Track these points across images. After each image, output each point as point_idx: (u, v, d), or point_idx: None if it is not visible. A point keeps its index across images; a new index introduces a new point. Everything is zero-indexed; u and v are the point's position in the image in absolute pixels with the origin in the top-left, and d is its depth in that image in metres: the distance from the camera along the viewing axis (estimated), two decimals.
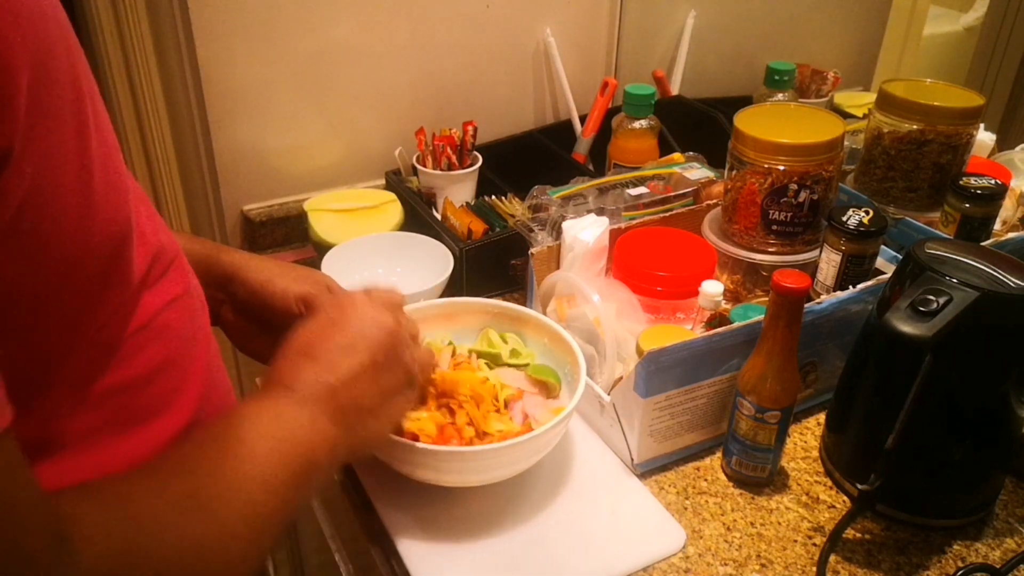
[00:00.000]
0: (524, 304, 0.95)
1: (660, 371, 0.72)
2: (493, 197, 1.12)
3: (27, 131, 0.37)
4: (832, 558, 0.69)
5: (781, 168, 0.89)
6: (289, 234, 1.16)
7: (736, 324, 0.76)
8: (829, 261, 0.87)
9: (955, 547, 0.71)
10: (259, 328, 0.73)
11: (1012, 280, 0.66)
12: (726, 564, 0.69)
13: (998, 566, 0.69)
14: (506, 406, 0.74)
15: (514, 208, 1.08)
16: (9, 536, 0.33)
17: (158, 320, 0.51)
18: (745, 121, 0.93)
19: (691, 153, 1.15)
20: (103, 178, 0.44)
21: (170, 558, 0.41)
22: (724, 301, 0.84)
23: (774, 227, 0.93)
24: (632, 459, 0.77)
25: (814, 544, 0.71)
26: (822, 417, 0.85)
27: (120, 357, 0.48)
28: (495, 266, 1.02)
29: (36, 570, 0.33)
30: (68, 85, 0.40)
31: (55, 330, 0.37)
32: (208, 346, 0.57)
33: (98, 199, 0.43)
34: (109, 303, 0.46)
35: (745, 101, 1.12)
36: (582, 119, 1.29)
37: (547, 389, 0.78)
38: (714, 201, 1.03)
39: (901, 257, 0.74)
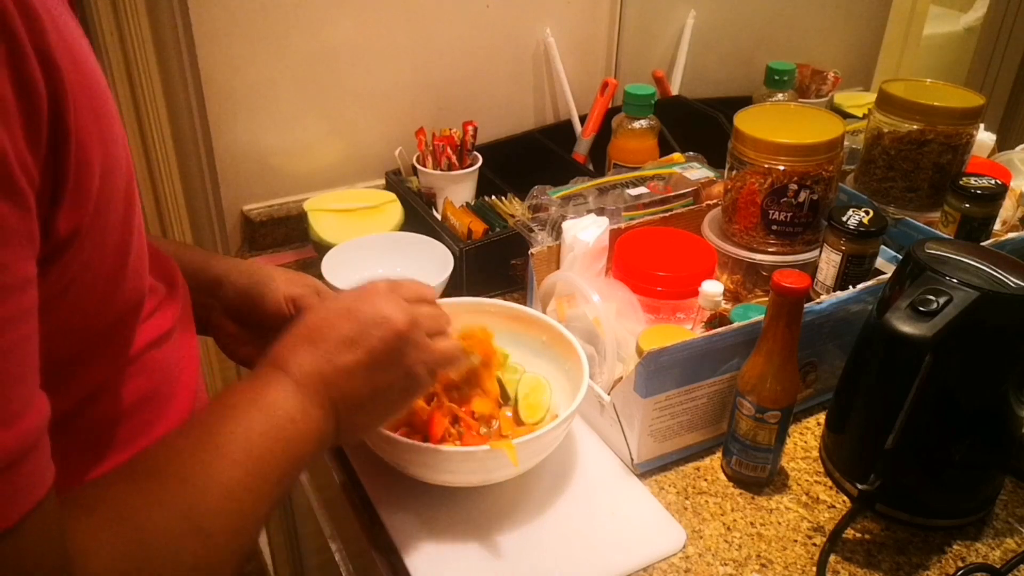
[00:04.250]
0: (524, 304, 0.95)
1: (660, 371, 0.72)
2: (493, 197, 1.12)
3: (94, 215, 0.39)
4: (832, 558, 0.69)
5: (781, 168, 0.89)
6: (289, 234, 1.17)
7: (736, 324, 0.76)
8: (829, 261, 0.87)
9: (955, 547, 0.71)
10: (249, 333, 0.73)
11: (1012, 280, 0.66)
12: (726, 564, 0.69)
13: (998, 566, 0.69)
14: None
15: (514, 208, 1.08)
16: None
17: (145, 356, 0.51)
18: (745, 121, 0.93)
19: (691, 153, 1.15)
20: (137, 250, 0.46)
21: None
22: (724, 301, 0.84)
23: (774, 227, 0.93)
24: (632, 459, 0.77)
25: (814, 544, 0.71)
26: (822, 417, 0.85)
27: (105, 392, 0.48)
28: (495, 266, 1.02)
29: None
30: (124, 167, 0.43)
31: (51, 378, 0.38)
32: (193, 374, 0.57)
33: (129, 271, 0.45)
34: (117, 340, 0.48)
35: (745, 101, 1.12)
36: (582, 119, 1.29)
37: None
38: (714, 201, 1.03)
39: (901, 257, 0.74)
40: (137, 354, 0.50)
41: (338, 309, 0.58)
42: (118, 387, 0.49)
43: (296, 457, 0.51)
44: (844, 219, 0.85)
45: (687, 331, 0.81)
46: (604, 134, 1.23)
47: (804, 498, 0.76)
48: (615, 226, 0.95)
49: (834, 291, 0.85)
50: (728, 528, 0.72)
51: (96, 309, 0.44)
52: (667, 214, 1.01)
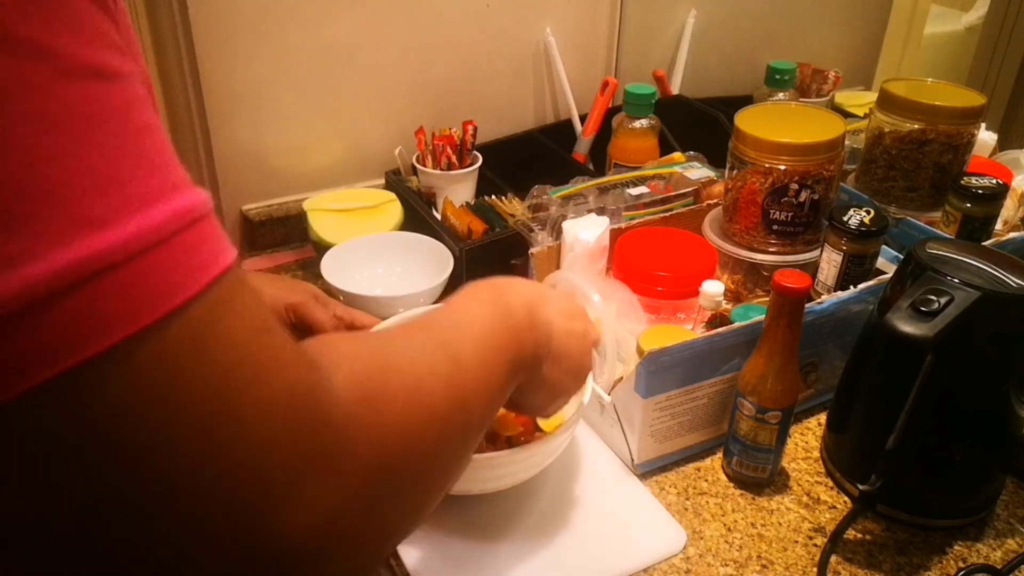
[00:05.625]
0: None
1: (661, 371, 0.72)
2: (493, 197, 1.12)
3: None
4: (833, 558, 0.69)
5: (782, 168, 0.89)
6: (289, 234, 1.16)
7: (737, 324, 0.76)
8: (830, 261, 0.87)
9: (956, 547, 0.71)
10: None
11: (1013, 280, 0.66)
12: (727, 565, 0.69)
13: (999, 566, 0.69)
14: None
15: (514, 208, 1.07)
16: (269, 348, 0.33)
17: None
18: (746, 121, 0.93)
19: (691, 153, 1.15)
20: None
21: (423, 387, 0.41)
22: (725, 301, 0.84)
23: (775, 227, 0.93)
24: (632, 459, 0.77)
25: (815, 545, 0.71)
26: (823, 417, 0.85)
27: None
28: (495, 266, 1.02)
29: (290, 381, 0.33)
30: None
31: None
32: None
33: None
34: None
35: (746, 100, 1.12)
36: (582, 119, 1.29)
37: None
38: (715, 201, 1.03)
39: (902, 257, 0.74)
40: None
41: (555, 295, 0.63)
42: None
43: (516, 356, 0.53)
44: (845, 219, 0.84)
45: (688, 331, 0.81)
46: (604, 134, 1.23)
47: (805, 499, 0.76)
48: (615, 226, 0.95)
49: (835, 291, 0.85)
50: (729, 529, 0.72)
51: None
52: (667, 214, 1.01)
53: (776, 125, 0.92)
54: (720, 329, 0.74)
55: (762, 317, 0.72)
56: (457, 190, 1.15)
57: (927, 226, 0.95)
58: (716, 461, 0.80)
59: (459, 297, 0.54)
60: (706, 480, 0.78)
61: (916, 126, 0.95)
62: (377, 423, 0.37)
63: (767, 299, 0.76)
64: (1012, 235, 0.91)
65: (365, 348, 0.41)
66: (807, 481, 0.78)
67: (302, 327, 0.70)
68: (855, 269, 0.85)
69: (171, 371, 0.29)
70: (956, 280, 0.65)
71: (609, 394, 0.77)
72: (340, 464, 0.34)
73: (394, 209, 1.12)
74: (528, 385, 0.57)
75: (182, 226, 0.30)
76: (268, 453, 0.32)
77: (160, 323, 0.29)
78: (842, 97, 1.44)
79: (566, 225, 0.91)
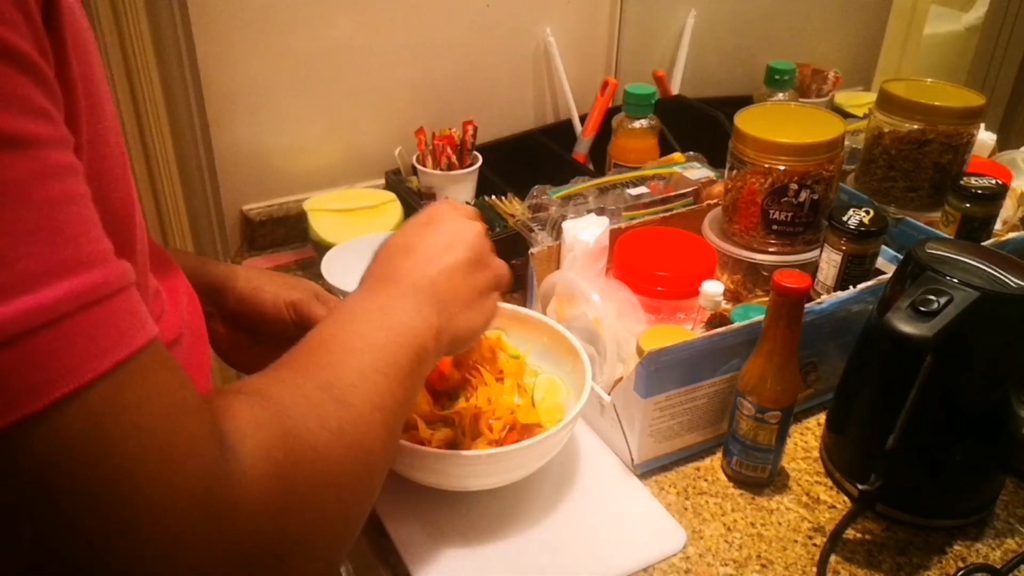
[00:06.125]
0: (524, 304, 0.95)
1: (660, 371, 0.72)
2: (493, 197, 1.12)
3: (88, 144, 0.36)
4: (832, 558, 0.69)
5: (781, 168, 0.89)
6: (289, 234, 1.16)
7: (736, 324, 0.76)
8: (829, 261, 0.87)
9: (956, 547, 0.71)
10: (248, 339, 0.72)
11: (1013, 280, 0.66)
12: (726, 564, 0.69)
13: (999, 566, 0.69)
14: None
15: (514, 208, 1.07)
16: (182, 433, 0.32)
17: None
18: (745, 121, 0.93)
19: (691, 153, 1.15)
20: (141, 230, 0.44)
21: (319, 446, 0.41)
22: (724, 301, 0.84)
23: (774, 227, 0.93)
24: (632, 459, 0.77)
25: (814, 544, 0.71)
26: (822, 417, 0.85)
27: None
28: None
29: (204, 466, 0.32)
30: (112, 124, 0.40)
31: None
32: (203, 385, 0.56)
33: (138, 248, 0.43)
34: None
35: (745, 101, 1.12)
36: (582, 119, 1.29)
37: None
38: (714, 201, 1.03)
39: (902, 257, 0.74)
40: None
41: (418, 226, 0.60)
42: None
43: (417, 352, 0.51)
44: (845, 219, 0.84)
45: (687, 331, 0.81)
46: (604, 134, 1.23)
47: (805, 498, 0.76)
48: (615, 226, 0.95)
49: (834, 291, 0.85)
50: (728, 528, 0.72)
51: None
52: (667, 214, 1.01)
53: (776, 125, 0.92)
54: (720, 329, 0.74)
55: (762, 317, 0.72)
56: (457, 190, 1.15)
57: (927, 226, 0.95)
58: (716, 461, 0.80)
59: (347, 306, 0.53)
60: (706, 480, 0.78)
61: (916, 126, 0.95)
62: (288, 505, 0.36)
63: (767, 299, 0.76)
64: (1012, 235, 0.91)
65: (264, 412, 0.40)
66: (807, 481, 0.78)
67: (303, 325, 0.70)
68: (855, 269, 0.85)
69: (62, 463, 0.27)
70: (956, 280, 0.65)
71: (609, 394, 0.77)
72: (251, 554, 0.34)
73: (394, 209, 1.12)
74: (453, 338, 0.57)
75: (79, 306, 0.28)
76: (175, 553, 0.30)
77: (49, 411, 0.27)
78: (842, 97, 1.44)
79: (566, 225, 0.91)
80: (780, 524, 0.73)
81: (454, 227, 0.60)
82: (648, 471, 0.78)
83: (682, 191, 1.04)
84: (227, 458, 0.34)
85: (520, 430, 0.72)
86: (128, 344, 0.30)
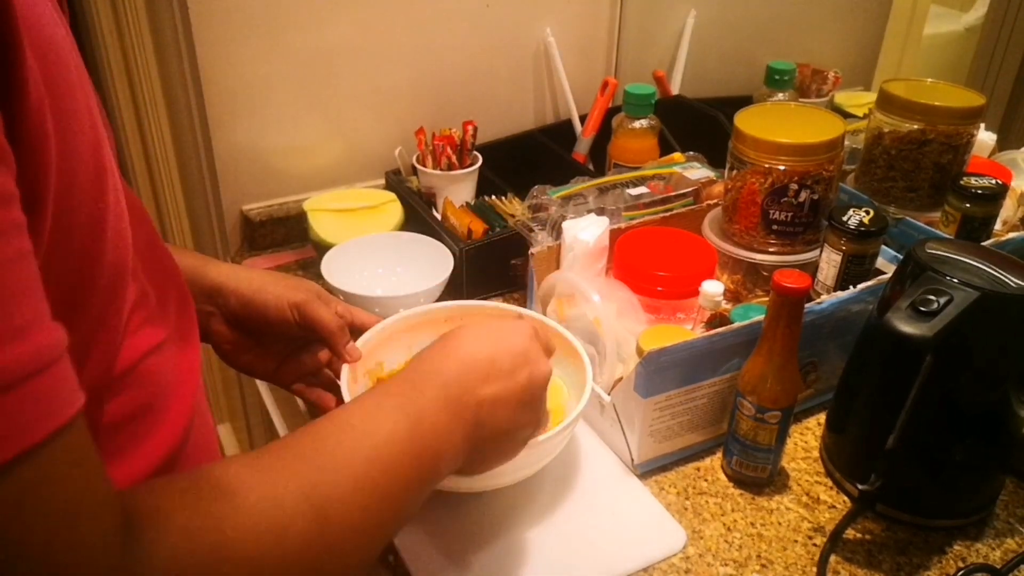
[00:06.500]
0: (524, 304, 0.95)
1: (660, 371, 0.72)
2: (493, 197, 1.12)
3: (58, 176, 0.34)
4: (832, 558, 0.69)
5: (781, 168, 0.89)
6: (289, 234, 1.16)
7: (736, 324, 0.76)
8: (829, 261, 0.87)
9: (955, 547, 0.71)
10: (250, 340, 0.72)
11: (1013, 280, 0.66)
12: (726, 564, 0.69)
13: (999, 566, 0.69)
14: None
15: (514, 208, 1.07)
16: (73, 527, 0.30)
17: (139, 367, 0.48)
18: (745, 121, 0.93)
19: (691, 153, 1.15)
20: (115, 241, 0.42)
21: (260, 558, 0.38)
22: (724, 301, 0.84)
23: (774, 227, 0.93)
24: (632, 459, 0.77)
25: (814, 544, 0.71)
26: (822, 417, 0.85)
27: (95, 403, 0.45)
28: (495, 266, 1.02)
29: (98, 564, 0.31)
30: (89, 137, 0.38)
31: None
32: (192, 388, 0.54)
33: (105, 264, 0.41)
34: (98, 346, 0.44)
35: (745, 101, 1.12)
36: (582, 119, 1.29)
37: None
38: (714, 201, 1.03)
39: (902, 257, 0.74)
40: (128, 364, 0.47)
41: (493, 335, 0.57)
42: (104, 399, 0.46)
43: (428, 472, 0.49)
44: (845, 219, 0.84)
45: (687, 331, 0.81)
46: (604, 134, 1.23)
47: (804, 498, 0.76)
48: (615, 226, 0.95)
49: (834, 291, 0.85)
50: (728, 528, 0.72)
51: (66, 299, 0.39)
52: (667, 214, 1.01)
53: (776, 125, 0.92)
54: (720, 329, 0.74)
55: (762, 317, 0.72)
56: (457, 190, 1.15)
57: (926, 226, 0.95)
58: (716, 461, 0.80)
59: (366, 406, 0.49)
60: (706, 480, 0.78)
61: (916, 126, 0.95)
62: None
63: (767, 299, 0.76)
64: (1012, 235, 0.91)
65: (201, 520, 0.36)
66: (807, 481, 0.78)
67: (306, 325, 0.70)
68: (854, 269, 0.85)
69: None
70: (956, 280, 0.65)
71: (609, 394, 0.77)
72: None
73: (394, 209, 1.12)
74: (468, 466, 0.55)
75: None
76: None
77: None
78: (841, 97, 1.44)
79: (566, 225, 0.91)
80: (780, 524, 0.73)
81: (522, 354, 0.56)
82: (648, 471, 0.78)
83: (682, 191, 1.04)
84: (134, 559, 0.32)
85: None
86: (37, 430, 0.29)
